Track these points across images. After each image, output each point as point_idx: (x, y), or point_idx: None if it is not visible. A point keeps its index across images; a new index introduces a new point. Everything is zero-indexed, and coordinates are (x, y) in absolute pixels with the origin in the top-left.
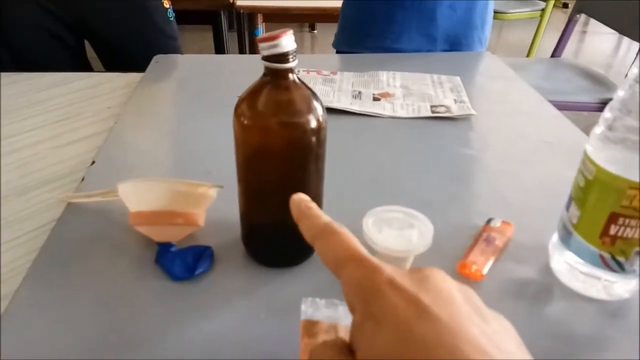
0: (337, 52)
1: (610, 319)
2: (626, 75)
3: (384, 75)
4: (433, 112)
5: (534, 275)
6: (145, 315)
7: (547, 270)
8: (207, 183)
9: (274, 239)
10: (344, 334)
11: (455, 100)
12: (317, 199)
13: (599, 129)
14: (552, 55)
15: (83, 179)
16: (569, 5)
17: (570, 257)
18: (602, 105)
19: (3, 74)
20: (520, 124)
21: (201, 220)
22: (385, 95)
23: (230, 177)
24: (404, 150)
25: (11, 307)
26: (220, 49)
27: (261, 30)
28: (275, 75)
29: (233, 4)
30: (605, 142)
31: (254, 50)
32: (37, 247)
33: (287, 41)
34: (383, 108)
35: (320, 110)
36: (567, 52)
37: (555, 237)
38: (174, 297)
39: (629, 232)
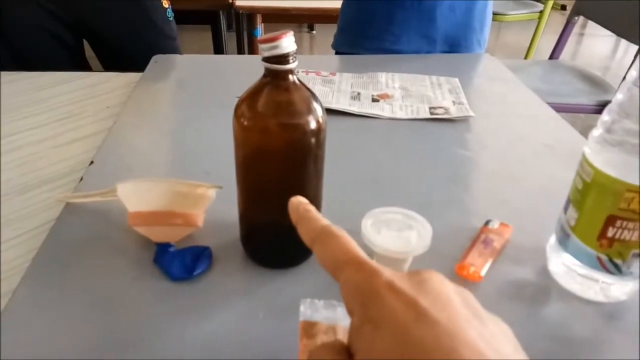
0: (336, 53)
1: (607, 321)
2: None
3: (382, 77)
4: (432, 113)
5: (531, 277)
6: (143, 315)
7: (544, 272)
8: (206, 183)
9: (273, 240)
10: (343, 335)
11: (453, 101)
12: (316, 200)
13: (597, 132)
14: (550, 57)
15: (82, 178)
16: (567, 7)
17: (567, 259)
18: (599, 108)
19: (3, 72)
20: (518, 126)
21: (200, 221)
22: (384, 96)
23: (229, 178)
24: (403, 152)
25: (10, 306)
26: (219, 49)
27: (260, 31)
28: (275, 77)
29: (232, 4)
30: (604, 145)
31: (252, 50)
32: (36, 247)
33: (288, 42)
34: (382, 109)
35: (320, 112)
36: (565, 54)
37: (552, 239)
38: (172, 298)
39: (626, 235)
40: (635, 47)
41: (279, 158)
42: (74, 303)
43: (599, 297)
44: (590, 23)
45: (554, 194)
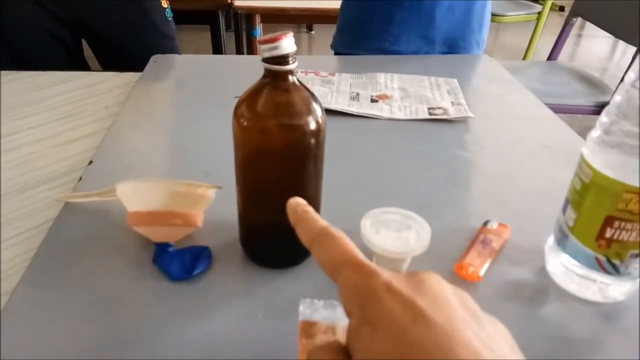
0: (335, 53)
1: (605, 321)
2: (622, 79)
3: (381, 77)
4: (430, 114)
5: (530, 277)
6: (142, 315)
7: (543, 273)
8: (205, 184)
9: (272, 240)
10: (342, 335)
11: (452, 102)
12: (316, 200)
13: (595, 133)
14: (549, 58)
15: (81, 178)
16: (565, 8)
17: (566, 259)
18: (597, 109)
19: (2, 72)
20: (517, 127)
21: (199, 221)
22: (383, 97)
23: (229, 178)
24: (402, 152)
25: (9, 306)
26: (217, 49)
27: (259, 31)
28: (275, 77)
29: (231, 4)
30: (602, 146)
31: (251, 50)
32: (34, 246)
33: (288, 43)
34: (381, 110)
35: (319, 112)
36: (563, 55)
37: (551, 240)
38: (171, 298)
39: (624, 235)
40: (633, 49)
41: (278, 158)
42: (73, 303)
43: (597, 298)
44: (588, 24)
45: (552, 194)
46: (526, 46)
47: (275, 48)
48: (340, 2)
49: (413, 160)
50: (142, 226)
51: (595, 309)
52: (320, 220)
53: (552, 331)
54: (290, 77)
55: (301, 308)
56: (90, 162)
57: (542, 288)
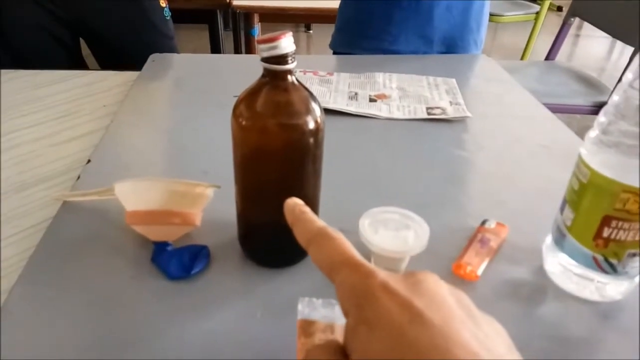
0: (334, 52)
1: (602, 320)
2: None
3: (380, 77)
4: (429, 114)
5: (527, 277)
6: (141, 314)
7: (540, 272)
8: (204, 183)
9: (270, 239)
10: (341, 334)
11: (450, 102)
12: (314, 199)
13: (593, 133)
14: (546, 58)
15: (79, 177)
16: (563, 8)
17: (563, 258)
18: (595, 108)
19: (1, 70)
20: (514, 127)
21: (198, 220)
22: (382, 96)
23: (227, 177)
24: (400, 152)
25: (7, 305)
26: (216, 48)
27: (257, 30)
28: (274, 77)
29: (229, 3)
30: (600, 146)
31: (249, 50)
32: (33, 245)
33: (287, 43)
34: (379, 109)
35: (318, 112)
36: (561, 55)
37: (549, 239)
38: (170, 296)
39: (621, 235)
40: (630, 49)
41: (277, 158)
42: (72, 302)
43: (595, 297)
44: (586, 24)
45: (550, 194)
46: (524, 46)
47: (274, 48)
48: (339, 1)
49: (411, 160)
50: (141, 225)
51: (593, 308)
52: (318, 220)
53: (550, 330)
54: (289, 76)
55: (300, 307)
56: (89, 161)
57: (540, 287)
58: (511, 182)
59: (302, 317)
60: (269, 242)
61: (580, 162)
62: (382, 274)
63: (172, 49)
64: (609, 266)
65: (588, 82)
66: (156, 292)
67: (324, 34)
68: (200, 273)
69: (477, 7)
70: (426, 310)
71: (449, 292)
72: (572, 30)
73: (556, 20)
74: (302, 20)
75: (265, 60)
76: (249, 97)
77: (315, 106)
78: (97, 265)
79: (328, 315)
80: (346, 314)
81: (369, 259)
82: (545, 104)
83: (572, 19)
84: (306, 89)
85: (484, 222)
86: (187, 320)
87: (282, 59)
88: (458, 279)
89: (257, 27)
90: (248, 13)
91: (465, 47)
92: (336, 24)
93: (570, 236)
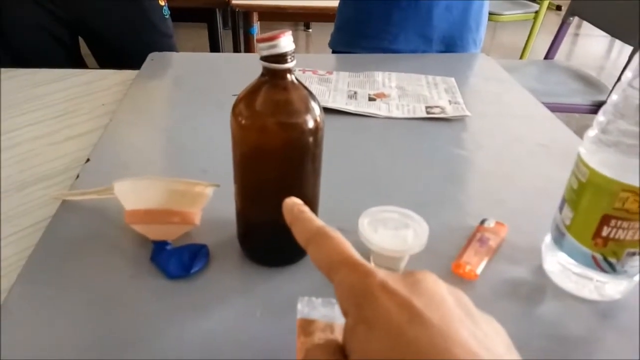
0: (333, 51)
1: (601, 320)
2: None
3: (379, 76)
4: (428, 112)
5: (527, 276)
6: (140, 313)
7: (540, 271)
8: (203, 182)
9: (270, 238)
10: (340, 333)
11: (450, 101)
12: (314, 199)
13: (592, 132)
14: (546, 57)
15: (78, 176)
16: (562, 7)
17: (563, 258)
18: (594, 108)
19: (2, 69)
20: (513, 126)
21: (197, 219)
22: (381, 95)
23: (227, 176)
24: (399, 151)
25: (6, 303)
26: (215, 47)
27: (256, 29)
28: (274, 76)
29: (228, 2)
30: (599, 145)
31: (249, 48)
32: (32, 244)
33: (286, 42)
34: (378, 108)
35: (317, 111)
36: (560, 54)
37: (548, 238)
38: (169, 296)
39: (620, 234)
40: (629, 48)
41: (276, 157)
42: (71, 301)
43: (594, 296)
44: (585, 23)
45: (549, 193)
46: (523, 45)
47: (274, 46)
48: (338, 1)
49: (411, 159)
50: (140, 224)
51: (592, 307)
52: (316, 220)
53: (549, 329)
54: (288, 75)
55: (299, 306)
56: (88, 160)
57: (539, 286)
58: (510, 181)
59: (301, 316)
60: (268, 241)
61: (580, 161)
62: (381, 274)
63: (171, 48)
64: (608, 265)
65: (587, 81)
66: (155, 291)
67: (323, 32)
68: (199, 272)
69: (476, 6)
70: (425, 309)
71: (448, 291)
72: (571, 29)
73: (555, 19)
74: (301, 18)
75: (265, 59)
76: (249, 96)
77: (314, 105)
78: (97, 265)
79: (328, 315)
80: (345, 313)
81: (368, 258)
82: (544, 103)
83: (571, 18)
84: (305, 87)
85: (483, 221)
86: (187, 319)
87: (281, 57)
88: (457, 278)
89: (256, 25)
90: (247, 12)
91: (464, 47)
92: (335, 24)
93: (570, 235)
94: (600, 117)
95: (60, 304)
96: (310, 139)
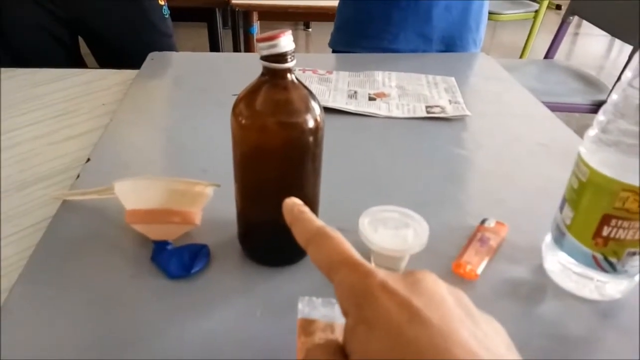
0: (333, 51)
1: (602, 319)
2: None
3: (379, 75)
4: (428, 112)
5: (527, 276)
6: (141, 313)
7: (540, 271)
8: (203, 181)
9: (270, 238)
10: (340, 333)
11: (450, 100)
12: (314, 198)
13: (592, 132)
14: (545, 57)
15: (78, 176)
16: (562, 7)
17: (563, 257)
18: (594, 107)
19: (2, 69)
20: (514, 125)
21: (197, 219)
22: (381, 95)
23: (227, 176)
24: (400, 150)
25: (6, 303)
26: (215, 46)
27: (256, 28)
28: (274, 75)
29: (228, 1)
30: (599, 145)
31: (248, 48)
32: (33, 244)
33: (286, 41)
34: (378, 108)
35: (317, 110)
36: (560, 53)
37: (548, 238)
38: (170, 295)
39: (621, 234)
40: (629, 47)
41: (277, 156)
42: (71, 301)
43: (594, 296)
44: (585, 23)
45: (549, 193)
46: (523, 44)
47: (274, 46)
48: (338, 0)
49: (411, 159)
50: (140, 224)
51: (593, 307)
52: (316, 220)
53: (550, 329)
54: (288, 75)
55: (300, 306)
56: (88, 159)
57: (540, 286)
58: (510, 181)
59: (302, 316)
60: (268, 240)
61: (580, 161)
62: (381, 274)
63: (171, 47)
64: (609, 265)
65: (587, 81)
66: (156, 291)
67: (323, 32)
68: (200, 272)
69: (476, 6)
70: (425, 309)
71: (448, 291)
72: (571, 29)
73: (555, 19)
74: (301, 18)
75: (265, 58)
76: (249, 96)
77: (314, 105)
78: (97, 264)
79: (328, 314)
80: (345, 313)
81: (368, 258)
82: (544, 103)
83: (571, 18)
84: (305, 87)
85: (483, 221)
86: (187, 319)
87: (281, 57)
88: (458, 277)
89: (256, 25)
90: (247, 11)
91: (464, 46)
92: (335, 23)
93: (570, 235)
94: (601, 116)
95: (61, 304)
96: (311, 139)
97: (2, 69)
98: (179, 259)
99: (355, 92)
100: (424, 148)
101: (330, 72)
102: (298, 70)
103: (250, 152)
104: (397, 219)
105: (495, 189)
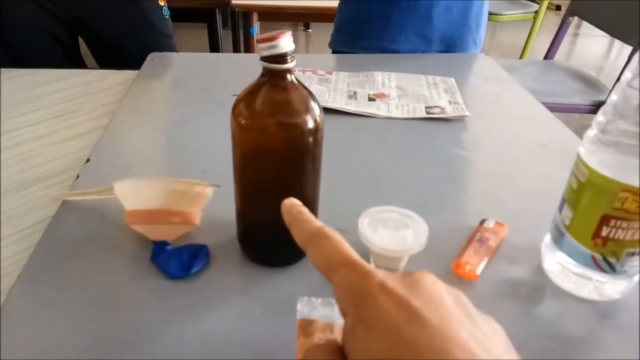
0: (333, 52)
1: (601, 320)
2: (618, 79)
3: (379, 76)
4: (428, 113)
5: (526, 276)
6: (140, 313)
7: (539, 271)
8: (203, 182)
9: (270, 238)
10: (340, 333)
11: (449, 101)
12: (313, 199)
13: (592, 132)
14: (545, 57)
15: (78, 176)
16: (562, 7)
17: (562, 258)
18: (593, 108)
19: (2, 69)
20: (513, 126)
21: (197, 219)
22: (381, 95)
23: (227, 176)
24: (399, 151)
25: (6, 304)
26: (215, 47)
27: (256, 29)
28: (274, 76)
29: (228, 2)
30: (598, 145)
31: (248, 48)
32: (32, 244)
33: (286, 42)
34: (378, 108)
35: (317, 111)
36: (560, 54)
37: (547, 238)
38: (169, 296)
39: (620, 234)
40: (629, 48)
41: (276, 157)
42: (71, 301)
43: (593, 296)
44: (585, 23)
45: (548, 193)
46: (523, 45)
47: (274, 47)
48: (338, 1)
49: (410, 159)
50: (140, 224)
51: (592, 307)
52: (315, 220)
53: (549, 329)
54: (288, 75)
55: (299, 306)
56: (88, 160)
57: (539, 286)
58: (510, 181)
59: (301, 317)
60: (268, 241)
61: (579, 161)
62: (380, 274)
63: (171, 48)
64: (608, 265)
65: (587, 81)
66: (155, 292)
67: (322, 32)
68: (199, 272)
69: (476, 6)
70: (424, 309)
71: (447, 291)
72: (570, 29)
73: (555, 19)
74: (301, 19)
75: (265, 59)
76: (248, 96)
77: (314, 105)
78: (97, 265)
79: (327, 315)
80: (344, 314)
81: (368, 258)
82: (543, 103)
83: (571, 18)
84: (305, 88)
85: (482, 222)
86: (187, 320)
87: (281, 58)
88: (457, 278)
89: (256, 25)
90: (247, 12)
91: (464, 46)
92: (335, 24)
93: (569, 235)
94: (600, 117)
95: (61, 304)
96: (310, 139)
97: (2, 69)
98: (178, 260)
99: (355, 93)
100: (424, 148)
101: (330, 73)
102: (298, 71)
103: (249, 153)
104: (397, 219)
105: (494, 190)
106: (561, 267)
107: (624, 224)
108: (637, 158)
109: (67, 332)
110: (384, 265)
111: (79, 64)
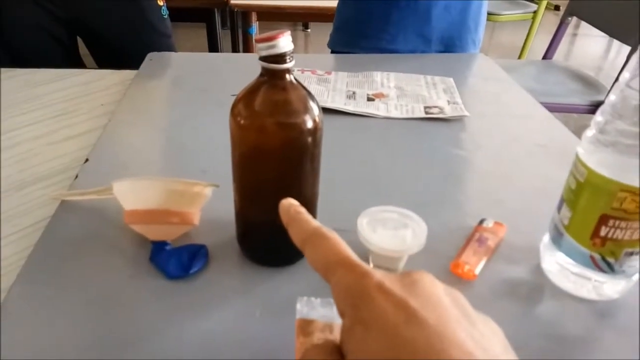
0: (332, 52)
1: (600, 319)
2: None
3: (378, 76)
4: (426, 113)
5: (525, 276)
6: (139, 313)
7: (538, 271)
8: (202, 182)
9: (269, 238)
10: (339, 333)
11: (448, 101)
12: (312, 198)
13: (590, 132)
14: (544, 57)
15: (77, 176)
16: (561, 7)
17: (561, 257)
18: (592, 108)
19: (1, 69)
20: (512, 126)
21: (196, 219)
22: (380, 95)
23: (226, 176)
24: (398, 151)
25: (5, 303)
26: (213, 46)
27: (255, 29)
28: (272, 76)
29: (227, 2)
30: (597, 145)
31: (247, 48)
32: (31, 244)
33: (285, 42)
34: (377, 108)
35: (316, 111)
36: (559, 54)
37: (546, 238)
38: (168, 296)
39: (619, 234)
40: (627, 48)
41: (275, 157)
42: (70, 301)
43: (592, 296)
44: (584, 23)
45: (547, 193)
46: (522, 45)
47: (273, 47)
48: (337, 1)
49: (409, 159)
50: (139, 224)
51: (590, 307)
52: (313, 221)
53: (547, 329)
54: (287, 75)
55: (298, 306)
56: (87, 160)
57: (538, 286)
58: (509, 181)
59: (300, 317)
60: (267, 241)
61: (578, 161)
62: (378, 274)
63: (169, 48)
64: (606, 265)
65: (585, 81)
66: (155, 292)
67: (321, 32)
68: (198, 272)
69: (475, 6)
70: (422, 310)
71: (445, 292)
72: (569, 30)
73: (554, 19)
74: (300, 18)
75: (264, 59)
76: (247, 96)
77: (313, 105)
78: (96, 265)
79: (327, 315)
80: (342, 314)
81: (367, 258)
82: (542, 103)
83: (570, 18)
84: (304, 88)
85: (481, 221)
86: (186, 320)
87: (280, 58)
88: (456, 278)
89: (255, 25)
90: (246, 11)
91: (463, 47)
92: (334, 24)
93: (568, 235)
94: (598, 117)
95: (60, 304)
96: (309, 139)
97: (2, 69)
98: (177, 259)
99: (354, 93)
100: (423, 148)
101: (329, 73)
102: (297, 71)
103: (248, 153)
104: (396, 219)
105: (493, 190)
106: (560, 267)
107: (623, 224)
108: (635, 158)
109: (66, 331)
110: (383, 265)
111: (78, 63)
